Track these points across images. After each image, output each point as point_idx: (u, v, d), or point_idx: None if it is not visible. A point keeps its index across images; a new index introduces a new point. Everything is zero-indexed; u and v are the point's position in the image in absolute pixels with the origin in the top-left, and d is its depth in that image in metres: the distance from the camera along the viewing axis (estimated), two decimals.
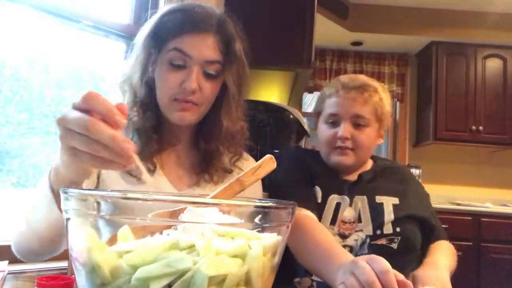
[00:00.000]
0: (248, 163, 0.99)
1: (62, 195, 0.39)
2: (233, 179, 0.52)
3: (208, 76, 0.84)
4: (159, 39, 0.84)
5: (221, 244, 0.35)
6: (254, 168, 0.53)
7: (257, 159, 1.06)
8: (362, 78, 1.09)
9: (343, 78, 1.10)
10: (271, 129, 1.90)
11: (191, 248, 0.35)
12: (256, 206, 0.41)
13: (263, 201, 0.45)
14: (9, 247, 0.78)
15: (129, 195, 0.37)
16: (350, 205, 1.01)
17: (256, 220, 0.38)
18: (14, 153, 1.51)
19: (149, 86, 0.86)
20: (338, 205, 1.01)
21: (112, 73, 1.78)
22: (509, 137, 3.36)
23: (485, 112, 3.38)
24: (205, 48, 0.82)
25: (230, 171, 0.93)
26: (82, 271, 0.36)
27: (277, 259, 0.41)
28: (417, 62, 3.84)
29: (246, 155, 1.01)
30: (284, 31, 2.00)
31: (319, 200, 1.01)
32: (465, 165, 3.64)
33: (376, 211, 1.00)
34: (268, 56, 1.93)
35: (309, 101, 5.01)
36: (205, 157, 0.91)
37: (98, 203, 0.37)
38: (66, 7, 1.51)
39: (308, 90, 3.77)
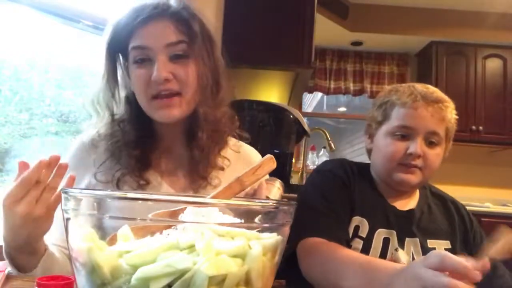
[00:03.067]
0: (239, 156, 0.93)
1: (62, 195, 0.39)
2: (233, 179, 0.52)
3: (177, 58, 0.80)
4: (119, 45, 0.82)
5: (221, 244, 0.35)
6: (254, 168, 0.53)
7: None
8: (438, 91, 0.97)
9: (420, 87, 0.96)
10: (271, 129, 1.90)
11: (191, 248, 0.35)
12: (256, 206, 0.41)
13: (263, 201, 0.45)
14: None
15: (129, 195, 0.37)
16: (402, 246, 0.91)
17: (256, 220, 0.38)
18: (14, 153, 1.51)
19: (128, 101, 0.84)
20: (386, 241, 0.91)
21: None
22: (509, 137, 3.36)
23: (485, 112, 3.38)
24: (161, 33, 0.79)
25: (223, 168, 0.88)
26: (82, 271, 0.36)
27: (277, 259, 0.41)
28: (417, 62, 3.84)
29: (240, 147, 0.96)
30: (284, 31, 2.00)
31: (364, 234, 0.91)
32: (465, 165, 3.64)
33: None
34: (268, 56, 1.94)
35: (309, 101, 5.01)
36: (200, 158, 0.86)
37: (98, 203, 0.37)
38: (66, 7, 1.51)
39: (308, 90, 3.77)
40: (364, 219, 0.92)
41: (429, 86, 0.98)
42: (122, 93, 0.86)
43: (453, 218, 1.00)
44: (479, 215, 2.89)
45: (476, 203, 3.18)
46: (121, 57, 0.85)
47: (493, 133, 3.36)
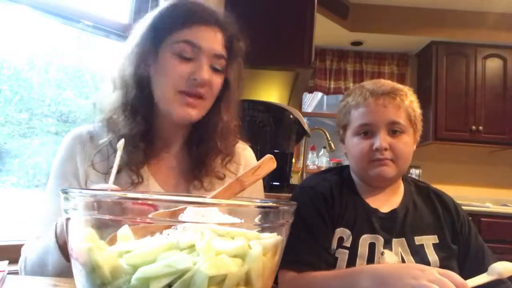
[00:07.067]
0: (239, 167, 0.96)
1: (62, 195, 0.39)
2: (233, 179, 0.52)
3: (214, 70, 0.83)
4: (161, 31, 0.81)
5: (221, 244, 0.35)
6: (254, 168, 0.53)
7: (257, 159, 1.06)
8: (388, 82, 1.00)
9: (367, 84, 1.00)
10: (271, 129, 1.90)
11: (191, 248, 0.35)
12: (256, 206, 0.41)
13: (263, 201, 0.45)
14: (9, 247, 0.78)
15: (129, 195, 0.37)
16: (390, 248, 0.91)
17: (256, 220, 0.38)
18: (14, 153, 1.51)
19: (141, 85, 0.82)
20: (372, 246, 0.91)
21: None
22: (509, 137, 3.36)
23: (485, 112, 3.38)
24: (215, 41, 0.82)
25: (222, 177, 0.89)
26: (82, 271, 0.36)
27: (277, 259, 0.41)
28: (417, 62, 3.84)
29: (244, 153, 0.98)
30: (284, 31, 2.00)
31: (349, 244, 0.91)
32: (465, 165, 3.64)
33: (419, 255, 0.92)
34: (268, 56, 1.94)
35: (309, 101, 5.01)
36: (197, 162, 0.88)
37: (98, 203, 0.37)
38: (66, 7, 1.51)
39: (308, 90, 3.77)
40: (347, 230, 0.92)
41: (380, 80, 1.01)
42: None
43: (437, 210, 1.00)
44: (479, 215, 2.89)
45: (476, 203, 3.18)
46: (151, 42, 0.82)
47: (493, 133, 3.36)
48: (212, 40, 0.81)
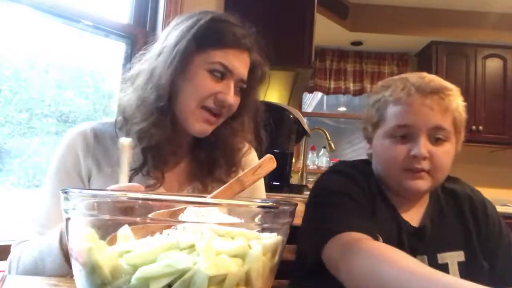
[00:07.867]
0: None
1: (62, 195, 0.39)
2: (233, 179, 0.52)
3: (236, 92, 0.85)
4: (202, 45, 0.81)
5: (221, 244, 0.35)
6: (254, 168, 0.53)
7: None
8: (435, 78, 0.83)
9: (413, 78, 0.82)
10: (271, 129, 1.90)
11: (191, 248, 0.35)
12: (256, 206, 0.41)
13: (263, 201, 0.45)
14: (9, 247, 0.78)
15: (129, 195, 0.37)
16: None
17: (256, 220, 0.38)
18: (14, 153, 1.51)
19: (166, 91, 0.80)
20: None
21: (112, 73, 1.78)
22: (509, 137, 3.36)
23: (485, 112, 3.38)
24: (244, 66, 0.84)
25: (225, 181, 0.90)
26: (82, 271, 0.36)
27: (277, 259, 0.41)
28: (417, 62, 3.84)
29: (247, 157, 0.99)
30: (284, 31, 2.00)
31: None
32: (465, 165, 3.63)
33: None
34: (268, 56, 1.93)
35: (309, 101, 5.01)
36: (203, 166, 0.89)
37: (98, 203, 0.37)
38: (66, 7, 1.52)
39: (308, 90, 3.77)
40: (380, 237, 0.80)
41: (426, 74, 0.85)
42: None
43: (467, 220, 0.86)
44: None
45: None
46: (188, 51, 0.81)
47: (493, 133, 3.36)
48: (242, 66, 0.84)
